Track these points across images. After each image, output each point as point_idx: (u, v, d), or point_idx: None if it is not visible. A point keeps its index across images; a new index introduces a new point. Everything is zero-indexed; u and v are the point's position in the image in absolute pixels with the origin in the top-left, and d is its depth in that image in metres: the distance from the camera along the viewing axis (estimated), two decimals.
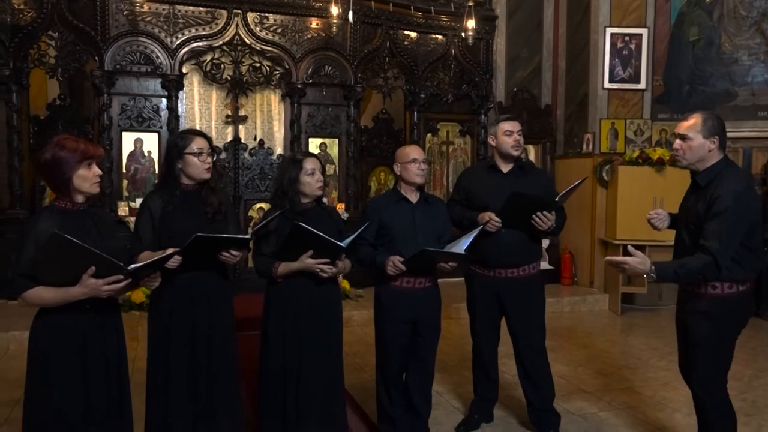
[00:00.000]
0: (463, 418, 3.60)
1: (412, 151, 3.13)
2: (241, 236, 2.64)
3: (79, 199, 2.23)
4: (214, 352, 2.68)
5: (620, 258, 2.62)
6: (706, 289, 2.68)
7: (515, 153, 3.30)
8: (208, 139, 2.75)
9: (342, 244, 2.77)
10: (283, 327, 2.84)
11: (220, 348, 2.70)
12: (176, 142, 2.70)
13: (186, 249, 2.44)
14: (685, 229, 2.78)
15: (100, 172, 2.25)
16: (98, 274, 2.07)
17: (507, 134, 3.28)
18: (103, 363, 2.23)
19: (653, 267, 2.57)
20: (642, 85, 7.08)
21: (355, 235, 2.84)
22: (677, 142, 2.77)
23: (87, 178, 2.19)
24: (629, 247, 2.62)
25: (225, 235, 2.60)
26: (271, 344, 2.86)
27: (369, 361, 3.92)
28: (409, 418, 3.24)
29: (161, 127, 6.33)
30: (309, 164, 2.89)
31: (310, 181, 2.87)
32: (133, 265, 2.17)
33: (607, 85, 7.06)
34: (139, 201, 5.60)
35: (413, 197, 3.17)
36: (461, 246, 3.02)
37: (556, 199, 3.24)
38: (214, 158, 2.76)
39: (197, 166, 2.67)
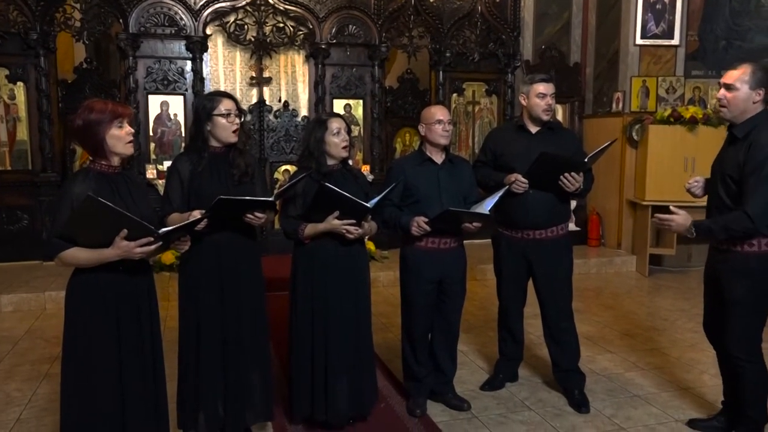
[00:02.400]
0: (488, 377, 3.64)
1: (438, 112, 3.10)
2: (263, 198, 2.65)
3: (116, 161, 2.27)
4: (243, 311, 2.73)
5: (667, 216, 2.70)
6: (743, 246, 2.67)
7: (545, 117, 3.24)
8: (236, 101, 2.75)
9: (368, 205, 2.78)
10: (311, 287, 2.87)
11: (250, 307, 2.75)
12: (204, 104, 2.71)
13: (210, 211, 2.47)
14: (721, 184, 2.74)
15: (132, 131, 2.28)
16: (130, 237, 2.11)
17: (540, 97, 3.21)
18: (136, 321, 2.29)
19: (692, 223, 2.67)
20: (675, 41, 6.85)
21: (381, 195, 2.84)
22: (722, 92, 2.71)
23: (120, 137, 2.22)
24: (671, 207, 2.70)
25: (248, 198, 2.61)
26: (299, 304, 2.91)
27: (395, 322, 3.97)
28: (435, 377, 3.29)
29: (186, 90, 6.35)
30: (334, 124, 2.88)
31: (336, 141, 2.87)
32: (163, 229, 2.22)
33: (639, 41, 6.84)
34: (166, 164, 5.66)
35: (438, 158, 3.15)
36: (485, 206, 3.01)
37: (585, 160, 3.19)
38: (242, 120, 2.77)
39: (225, 127, 2.68)
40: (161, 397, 2.40)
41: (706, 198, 2.91)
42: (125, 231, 2.10)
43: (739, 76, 2.65)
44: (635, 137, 6.64)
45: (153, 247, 2.17)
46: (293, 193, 2.85)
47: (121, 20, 6.09)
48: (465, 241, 3.23)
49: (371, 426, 3.05)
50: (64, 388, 2.24)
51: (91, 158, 2.27)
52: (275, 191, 2.83)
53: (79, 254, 2.14)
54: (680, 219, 2.68)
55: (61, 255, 2.14)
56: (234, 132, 2.69)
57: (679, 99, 6.81)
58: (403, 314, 3.27)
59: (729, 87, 2.67)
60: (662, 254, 6.59)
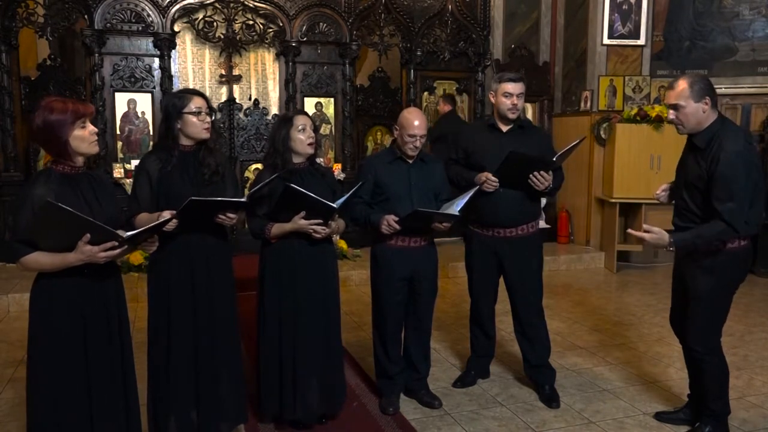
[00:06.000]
0: (460, 374, 3.66)
1: (414, 128, 3.02)
2: (236, 200, 2.62)
3: (79, 161, 2.20)
4: (214, 312, 2.69)
5: (639, 234, 2.73)
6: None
7: (511, 116, 3.26)
8: (206, 99, 2.71)
9: (334, 206, 2.77)
10: (279, 286, 2.86)
11: (221, 308, 2.72)
12: (174, 101, 2.65)
13: (181, 212, 2.43)
14: (685, 190, 2.80)
15: (96, 130, 2.21)
16: (94, 241, 2.05)
17: (506, 96, 3.23)
18: (104, 324, 2.24)
19: (672, 240, 2.68)
20: (641, 41, 6.98)
21: (347, 195, 2.84)
22: (671, 113, 2.76)
23: (84, 138, 2.15)
24: (644, 226, 2.74)
25: (220, 199, 2.58)
26: (267, 303, 2.89)
27: (367, 320, 3.96)
28: (408, 374, 3.30)
29: (154, 88, 6.24)
30: (299, 121, 2.87)
31: (301, 137, 2.85)
32: (129, 233, 2.15)
33: (606, 41, 6.95)
34: (134, 163, 5.56)
35: (409, 157, 3.15)
36: (456, 207, 3.02)
37: (554, 158, 3.22)
38: (212, 118, 2.73)
39: (196, 125, 2.63)
40: (132, 400, 2.36)
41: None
42: (88, 236, 2.03)
43: (680, 93, 2.69)
44: (603, 135, 6.74)
45: (118, 251, 2.11)
46: (261, 194, 2.83)
47: (86, 16, 5.96)
48: (436, 239, 3.25)
49: (345, 424, 3.05)
50: (30, 394, 2.18)
51: (53, 159, 2.20)
52: (246, 191, 2.80)
53: (41, 259, 2.08)
54: (652, 238, 2.69)
55: (23, 260, 2.08)
56: (206, 129, 2.65)
57: (645, 98, 6.94)
58: (374, 312, 3.27)
59: (675, 107, 2.72)
60: (629, 250, 6.70)
